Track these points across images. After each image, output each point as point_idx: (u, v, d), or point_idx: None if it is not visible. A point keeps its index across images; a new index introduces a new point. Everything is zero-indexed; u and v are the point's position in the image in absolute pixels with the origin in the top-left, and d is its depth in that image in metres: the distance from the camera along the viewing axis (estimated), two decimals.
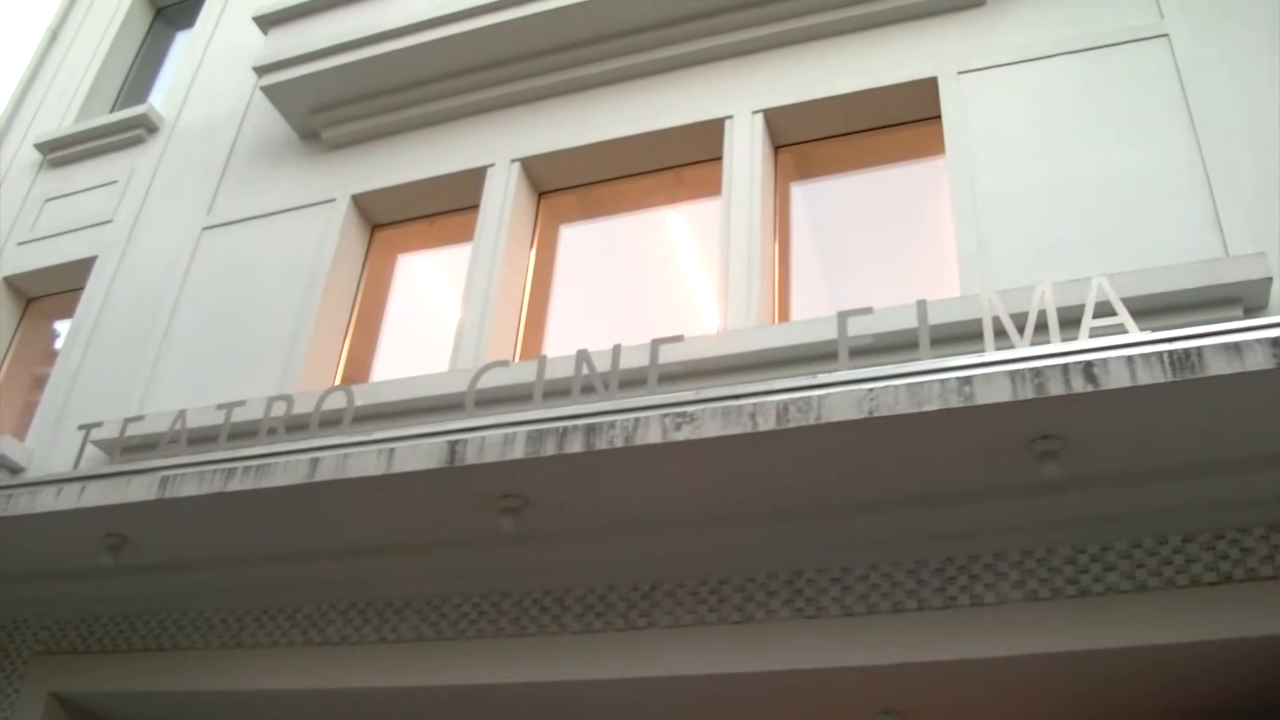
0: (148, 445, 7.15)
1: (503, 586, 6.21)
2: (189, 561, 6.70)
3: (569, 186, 8.41)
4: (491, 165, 8.30)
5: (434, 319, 8.35)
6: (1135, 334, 5.09)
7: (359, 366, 8.27)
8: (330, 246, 8.44)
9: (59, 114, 11.11)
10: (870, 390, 4.86)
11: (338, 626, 6.52)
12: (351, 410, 6.52)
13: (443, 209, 8.66)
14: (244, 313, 8.47)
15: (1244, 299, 5.63)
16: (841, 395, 4.89)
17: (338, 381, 8.00)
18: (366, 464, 5.60)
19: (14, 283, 9.97)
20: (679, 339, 6.17)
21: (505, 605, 6.17)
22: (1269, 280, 5.57)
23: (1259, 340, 4.46)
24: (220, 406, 7.02)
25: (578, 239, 8.40)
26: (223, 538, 6.38)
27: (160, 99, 10.77)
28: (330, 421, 6.60)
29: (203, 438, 6.99)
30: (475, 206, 8.24)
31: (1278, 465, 5.01)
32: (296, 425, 6.70)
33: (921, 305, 5.63)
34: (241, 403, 7.01)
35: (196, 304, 8.75)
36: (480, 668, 6.07)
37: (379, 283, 8.71)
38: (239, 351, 8.23)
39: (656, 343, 6.06)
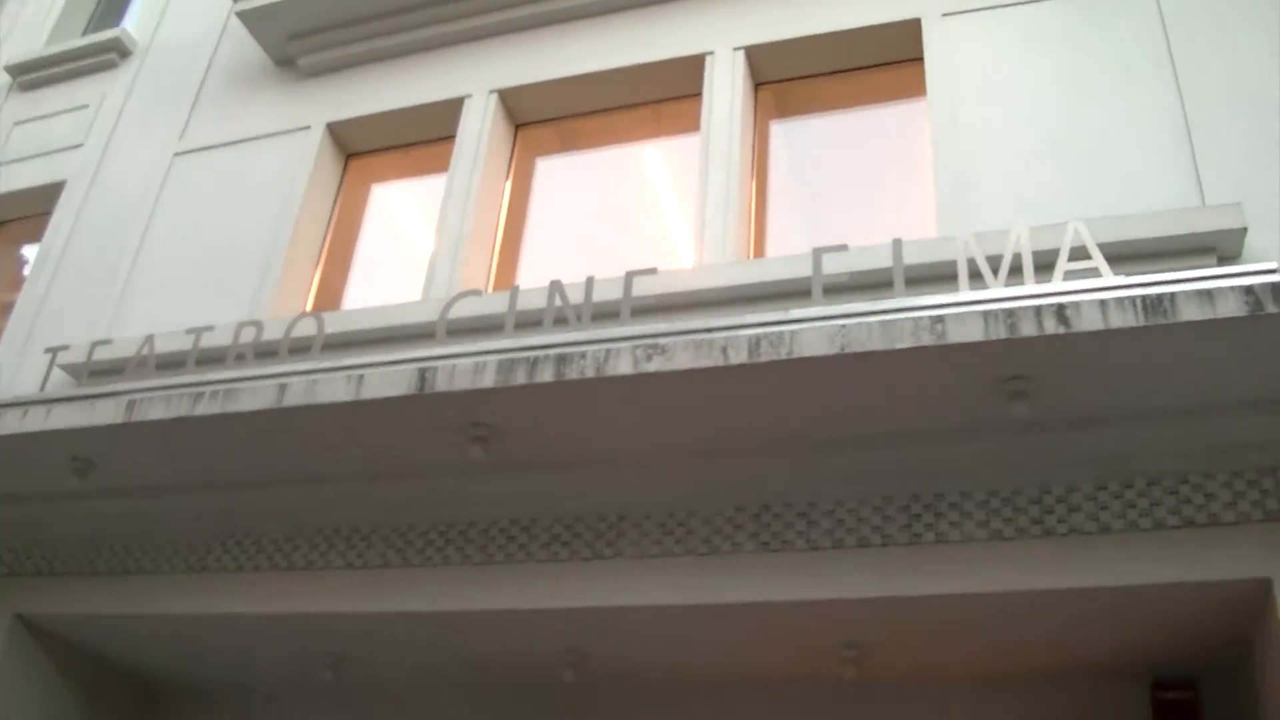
0: (115, 370, 7.07)
1: (470, 515, 6.20)
2: (156, 486, 6.64)
3: (547, 119, 8.34)
4: (469, 96, 8.22)
5: (407, 249, 8.30)
6: (1109, 278, 5.08)
7: (330, 296, 8.21)
8: (304, 174, 8.36)
9: (30, 37, 10.92)
10: (843, 326, 4.84)
11: (304, 552, 6.51)
12: (321, 337, 6.48)
13: (419, 139, 8.58)
14: (215, 239, 8.39)
15: (1218, 248, 5.65)
16: (814, 330, 4.87)
17: (308, 310, 7.93)
18: (335, 390, 5.55)
19: None
20: (653, 271, 6.14)
21: (472, 534, 6.18)
22: (1243, 230, 5.59)
23: (1232, 288, 4.47)
24: (189, 331, 6.94)
25: (555, 172, 8.34)
26: (190, 462, 6.33)
27: (133, 23, 10.59)
28: (300, 349, 6.55)
29: (170, 363, 6.93)
30: (451, 137, 8.16)
31: (1243, 412, 5.05)
32: (265, 352, 6.64)
33: (897, 244, 5.61)
34: (210, 328, 6.93)
35: (167, 230, 8.66)
36: (447, 595, 6.09)
37: (352, 212, 8.63)
38: (209, 278, 8.16)
39: (630, 275, 6.02)
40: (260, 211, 8.34)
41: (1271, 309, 4.35)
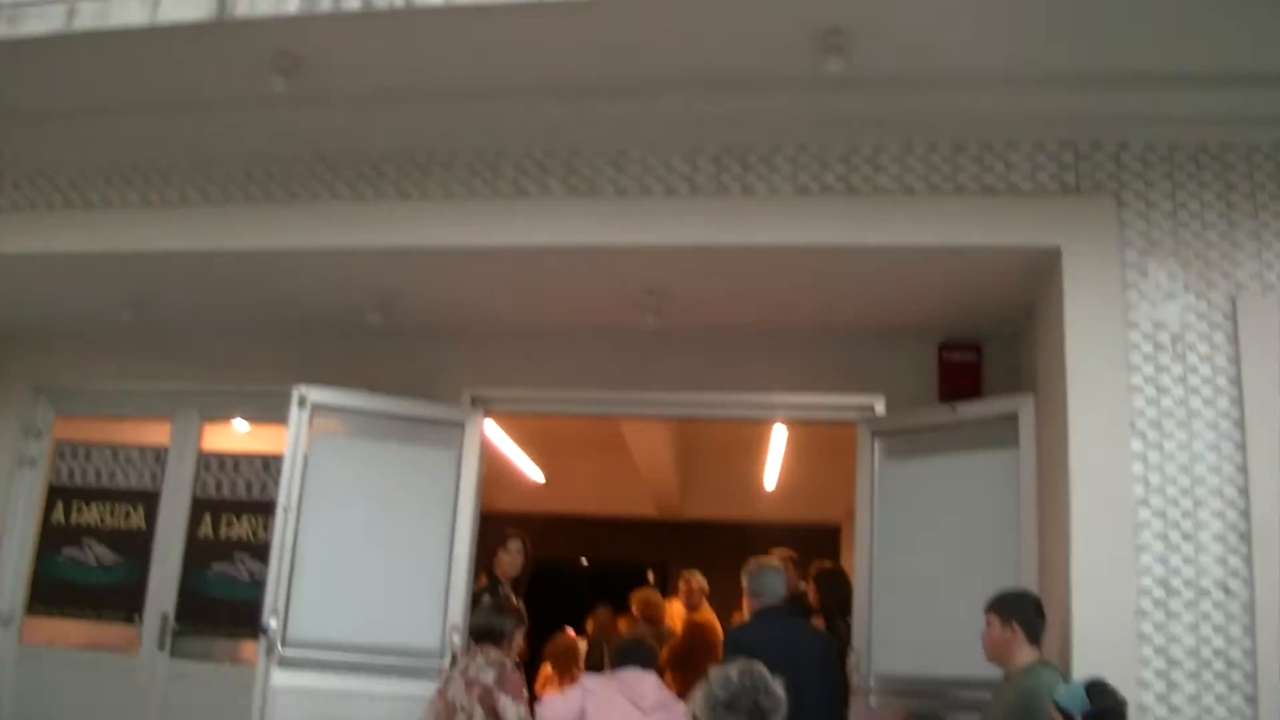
0: None
1: (274, 151, 6.00)
2: None
3: None
4: None
5: None
6: None
7: None
8: None
9: None
10: None
11: (99, 189, 6.23)
12: None
13: None
14: None
15: None
16: None
17: None
18: (129, 13, 5.18)
19: None
20: None
21: (275, 170, 6.00)
22: None
23: None
24: None
25: None
26: None
27: None
28: None
29: None
30: None
31: (1052, 86, 5.16)
32: None
33: None
34: None
35: None
36: (249, 233, 5.95)
37: None
38: None
39: None
40: None
41: None
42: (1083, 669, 4.49)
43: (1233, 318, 5.11)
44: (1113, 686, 3.90)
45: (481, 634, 5.46)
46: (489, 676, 5.21)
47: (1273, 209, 5.24)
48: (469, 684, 5.21)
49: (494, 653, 5.34)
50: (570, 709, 5.24)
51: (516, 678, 5.31)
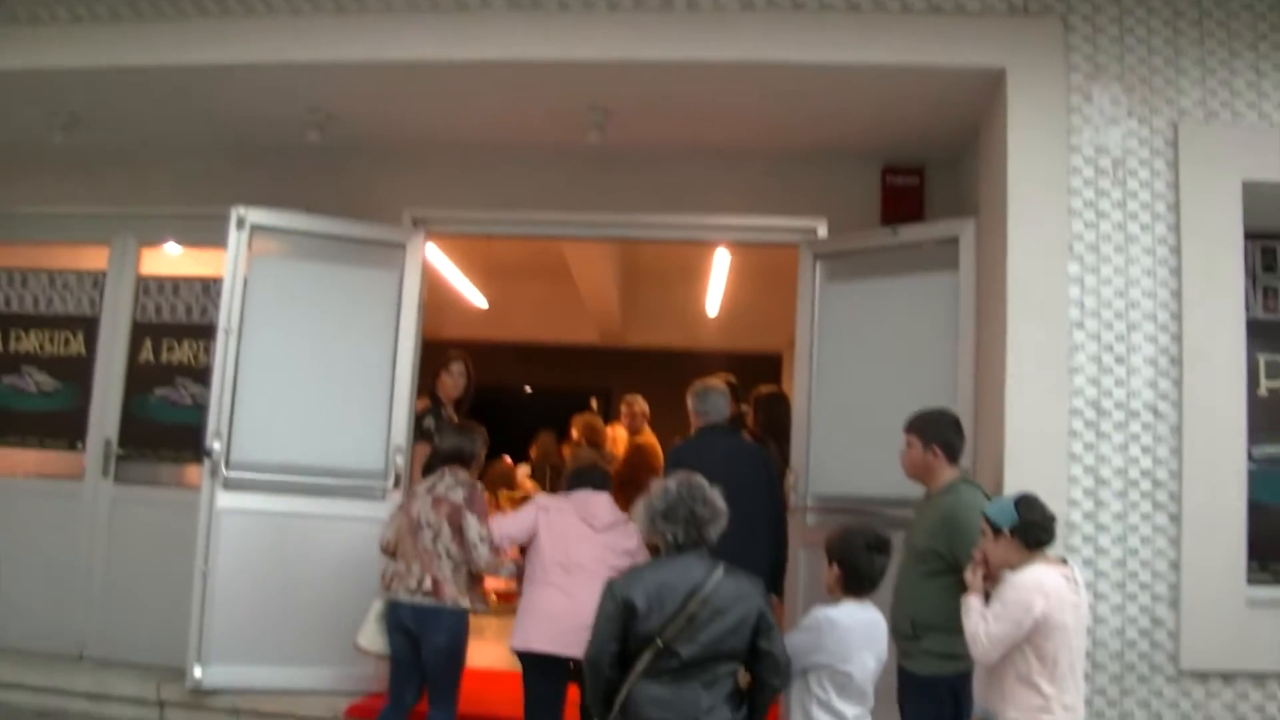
0: None
1: None
2: None
3: None
4: None
5: None
6: None
7: None
8: None
9: None
10: None
11: (26, 4, 5.96)
12: None
13: None
14: None
15: None
16: None
17: None
18: None
19: None
20: None
21: None
22: None
23: None
24: None
25: None
26: None
27: None
28: None
29: None
30: None
31: None
32: None
33: None
34: None
35: None
36: (182, 48, 5.78)
37: None
38: None
39: None
40: None
41: None
42: (1014, 486, 4.62)
43: (1174, 144, 5.17)
44: (1041, 501, 3.99)
45: (451, 455, 5.51)
46: (458, 495, 5.28)
47: (1218, 37, 5.27)
48: (436, 501, 5.28)
49: (463, 473, 5.41)
50: (523, 525, 5.31)
51: (484, 499, 5.41)
